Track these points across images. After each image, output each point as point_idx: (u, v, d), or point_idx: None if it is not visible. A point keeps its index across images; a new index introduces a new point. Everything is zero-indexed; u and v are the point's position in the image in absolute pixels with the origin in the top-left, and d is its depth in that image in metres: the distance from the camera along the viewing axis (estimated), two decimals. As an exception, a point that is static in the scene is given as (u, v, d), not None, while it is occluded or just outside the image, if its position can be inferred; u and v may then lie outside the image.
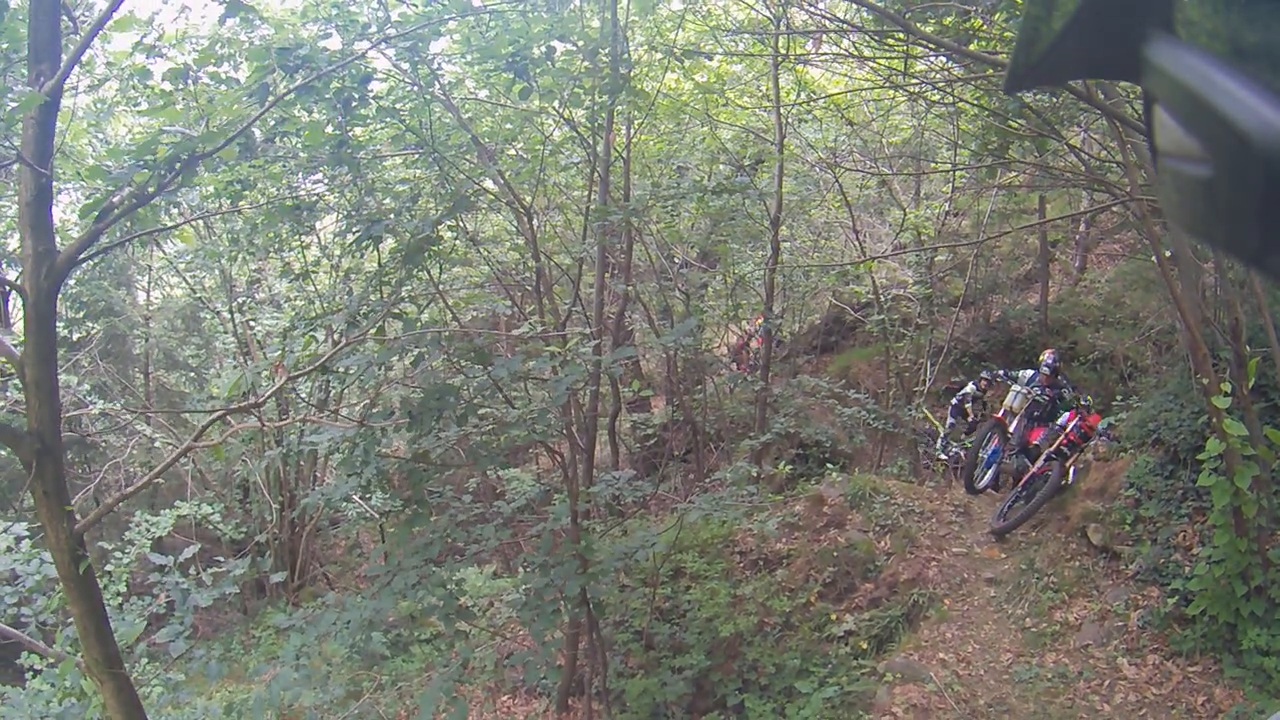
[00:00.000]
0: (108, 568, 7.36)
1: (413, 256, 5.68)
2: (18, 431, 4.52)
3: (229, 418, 5.86)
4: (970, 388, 11.05)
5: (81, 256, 4.53)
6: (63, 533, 4.51)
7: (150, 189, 4.30)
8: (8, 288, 7.81)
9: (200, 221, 10.35)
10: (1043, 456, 9.03)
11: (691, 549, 9.20)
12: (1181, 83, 0.48)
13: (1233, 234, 0.47)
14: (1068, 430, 8.89)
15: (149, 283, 15.25)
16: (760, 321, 14.95)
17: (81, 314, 13.36)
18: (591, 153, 7.81)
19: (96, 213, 4.31)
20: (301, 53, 4.83)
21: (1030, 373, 10.07)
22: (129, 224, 4.92)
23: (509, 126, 7.85)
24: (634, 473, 8.03)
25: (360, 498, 9.58)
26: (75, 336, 13.11)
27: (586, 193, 8.73)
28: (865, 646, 8.03)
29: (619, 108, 7.84)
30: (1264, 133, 0.42)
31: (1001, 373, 10.62)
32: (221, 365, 13.30)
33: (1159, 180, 0.54)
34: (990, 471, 9.88)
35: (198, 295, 13.27)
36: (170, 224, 6.92)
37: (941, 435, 11.82)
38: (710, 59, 10.28)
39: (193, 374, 15.20)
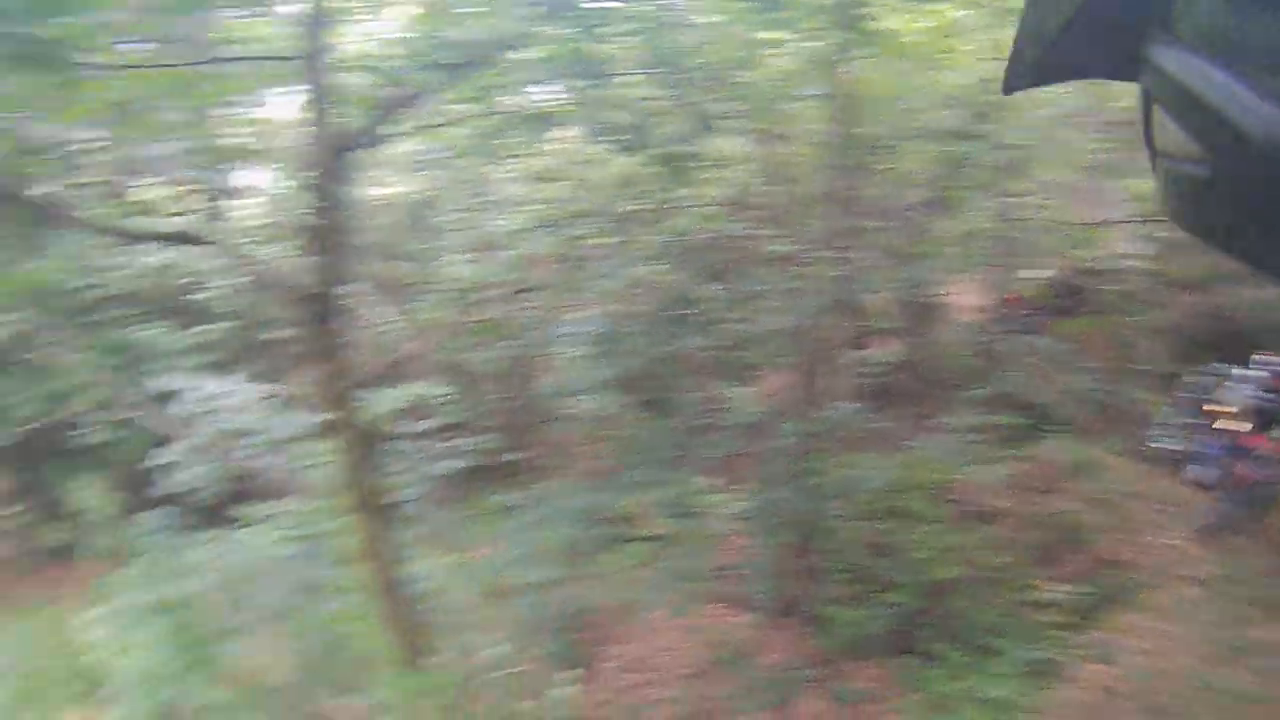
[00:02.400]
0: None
1: (678, 169, 5.81)
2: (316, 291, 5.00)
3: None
4: (1204, 381, 10.43)
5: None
6: (340, 385, 5.02)
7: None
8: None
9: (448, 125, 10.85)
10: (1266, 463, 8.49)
11: (910, 489, 9.00)
12: (1181, 83, 0.48)
13: (1232, 235, 0.48)
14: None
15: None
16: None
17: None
18: (829, 86, 7.74)
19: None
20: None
21: (1259, 373, 9.44)
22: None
23: (741, 55, 7.85)
24: (861, 405, 8.01)
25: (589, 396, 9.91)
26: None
27: (823, 126, 8.65)
28: (1064, 619, 7.84)
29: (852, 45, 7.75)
30: (1264, 133, 0.42)
31: (1227, 367, 10.04)
32: (451, 258, 13.87)
33: (1157, 181, 0.55)
34: (1207, 468, 9.38)
35: (429, 194, 13.84)
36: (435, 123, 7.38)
37: (1167, 424, 11.23)
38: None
39: (419, 265, 15.87)
